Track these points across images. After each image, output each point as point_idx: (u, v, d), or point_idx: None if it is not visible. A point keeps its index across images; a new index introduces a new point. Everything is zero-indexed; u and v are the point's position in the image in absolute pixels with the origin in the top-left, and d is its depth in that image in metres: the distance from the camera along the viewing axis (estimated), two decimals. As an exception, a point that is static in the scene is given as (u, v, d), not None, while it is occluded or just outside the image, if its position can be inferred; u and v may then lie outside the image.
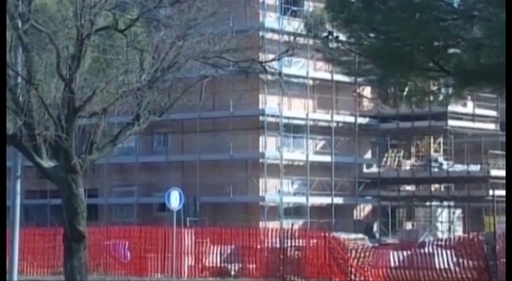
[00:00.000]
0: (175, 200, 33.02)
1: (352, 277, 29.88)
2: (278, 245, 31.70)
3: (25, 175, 21.68)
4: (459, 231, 52.40)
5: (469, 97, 49.01)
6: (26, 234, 30.72)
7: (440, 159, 57.34)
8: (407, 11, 26.10)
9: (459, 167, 55.95)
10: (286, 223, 44.49)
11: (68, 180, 18.70)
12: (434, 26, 26.07)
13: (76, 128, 18.91)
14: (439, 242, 32.17)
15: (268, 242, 32.50)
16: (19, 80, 18.53)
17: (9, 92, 18.41)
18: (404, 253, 30.80)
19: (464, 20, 25.70)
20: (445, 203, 57.75)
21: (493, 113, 57.23)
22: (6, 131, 19.43)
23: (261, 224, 45.45)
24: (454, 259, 29.12)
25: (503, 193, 45.16)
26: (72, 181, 18.71)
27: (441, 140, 58.49)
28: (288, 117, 51.68)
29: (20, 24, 18.14)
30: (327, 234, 32.78)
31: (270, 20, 51.16)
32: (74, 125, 18.69)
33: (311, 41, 40.59)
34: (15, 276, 20.89)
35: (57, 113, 18.42)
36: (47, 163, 18.75)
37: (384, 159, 57.53)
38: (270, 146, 51.15)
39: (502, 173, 53.38)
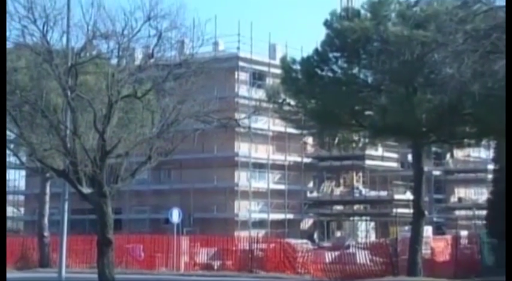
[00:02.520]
0: (175, 216, 32.92)
1: (299, 270, 29.84)
2: (248, 248, 31.58)
3: (71, 198, 21.52)
4: (373, 237, 52.40)
5: (379, 144, 49.38)
6: (71, 240, 30.29)
7: (360, 187, 57.50)
8: (337, 85, 26.38)
9: (373, 193, 56.19)
10: (254, 232, 44.40)
11: (101, 202, 18.61)
12: (355, 96, 26.36)
13: (106, 166, 18.85)
14: (359, 245, 32.19)
15: (240, 246, 32.35)
16: (68, 132, 18.52)
17: (60, 140, 18.39)
18: (335, 253, 30.84)
19: (375, 92, 26.06)
20: (363, 218, 57.82)
21: (395, 155, 57.59)
22: (58, 167, 19.37)
23: (236, 233, 45.16)
24: (369, 257, 29.14)
25: (402, 210, 45.55)
26: (103, 202, 18.63)
27: (361, 174, 58.65)
28: (255, 158, 51.73)
29: (69, 94, 18.14)
30: (281, 240, 32.80)
31: (243, 90, 51.41)
32: (105, 164, 18.63)
33: (271, 105, 40.90)
34: (64, 269, 20.73)
35: (94, 155, 18.37)
36: (86, 190, 18.66)
37: (322, 187, 57.57)
38: (242, 178, 51.11)
39: (402, 196, 53.70)
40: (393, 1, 25.30)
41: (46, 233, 35.30)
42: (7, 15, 17.74)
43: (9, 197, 62.20)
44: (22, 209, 62.71)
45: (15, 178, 59.29)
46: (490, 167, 40.62)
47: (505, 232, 12.60)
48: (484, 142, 31.17)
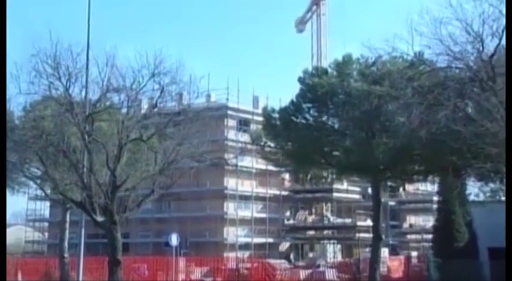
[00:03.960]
0: (174, 240, 32.42)
1: (278, 286, 29.55)
2: (235, 267, 31.27)
3: (87, 225, 21.26)
4: (339, 257, 52.00)
5: (344, 179, 49.34)
6: (87, 260, 29.72)
7: (329, 215, 57.27)
8: (309, 130, 26.53)
9: (339, 220, 55.95)
10: (240, 254, 43.96)
11: (111, 228, 18.45)
12: (324, 139, 26.51)
13: (117, 198, 18.74)
14: (328, 264, 32.01)
15: (229, 265, 32.05)
16: (85, 169, 18.42)
17: (78, 176, 18.28)
18: (308, 271, 30.59)
19: (341, 136, 26.24)
20: (332, 241, 57.46)
21: (358, 189, 57.21)
22: (76, 199, 19.19)
23: (225, 255, 44.67)
24: (337, 274, 28.97)
25: (364, 235, 45.33)
26: (114, 229, 18.47)
27: (329, 204, 58.43)
28: (241, 191, 51.44)
29: (86, 138, 18.12)
30: (263, 260, 32.52)
31: (231, 134, 51.32)
32: (115, 196, 18.53)
33: (255, 147, 40.90)
34: (80, 286, 20.38)
35: (106, 189, 18.28)
36: (100, 218, 18.51)
37: (297, 215, 57.22)
38: (230, 208, 50.71)
39: (363, 223, 53.44)
40: (355, 62, 25.73)
41: (66, 255, 34.80)
42: (36, 73, 17.85)
43: (36, 224, 61.62)
44: (46, 234, 61.96)
45: (41, 208, 58.75)
46: (435, 198, 40.84)
47: (506, 233, 12.18)
48: (430, 178, 31.36)
